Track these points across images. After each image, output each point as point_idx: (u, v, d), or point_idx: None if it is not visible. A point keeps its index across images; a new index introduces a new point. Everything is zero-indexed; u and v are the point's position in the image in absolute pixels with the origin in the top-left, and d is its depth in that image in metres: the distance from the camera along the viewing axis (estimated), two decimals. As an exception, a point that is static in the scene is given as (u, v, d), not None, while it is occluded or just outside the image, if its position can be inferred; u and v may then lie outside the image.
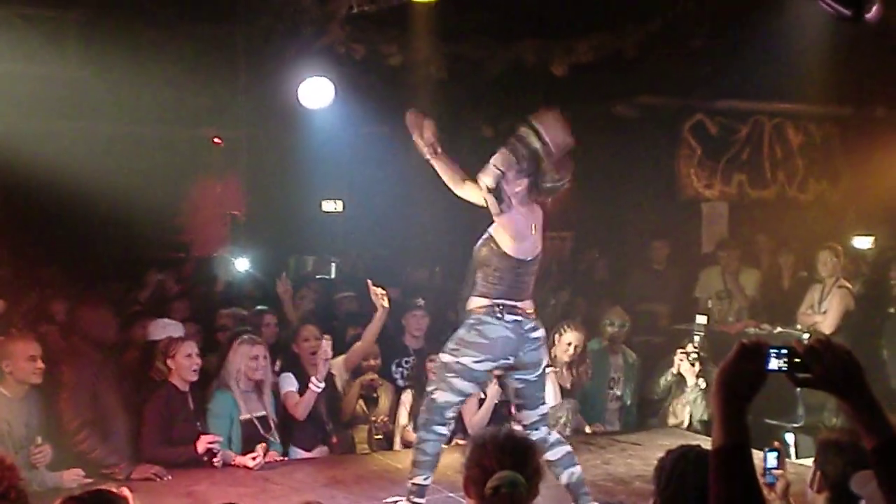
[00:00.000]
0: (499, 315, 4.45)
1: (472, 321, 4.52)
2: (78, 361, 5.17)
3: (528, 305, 4.58)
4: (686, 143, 9.10)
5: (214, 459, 5.26)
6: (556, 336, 6.28)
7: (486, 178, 4.29)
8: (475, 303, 4.55)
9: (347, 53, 6.87)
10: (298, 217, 10.36)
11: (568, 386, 6.38)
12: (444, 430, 4.54)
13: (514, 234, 4.44)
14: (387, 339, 7.09)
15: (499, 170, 4.28)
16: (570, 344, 6.32)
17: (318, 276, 9.70)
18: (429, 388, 4.63)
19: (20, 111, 7.93)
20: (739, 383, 1.91)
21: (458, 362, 4.48)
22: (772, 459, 3.31)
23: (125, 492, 2.79)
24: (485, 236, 4.56)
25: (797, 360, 1.95)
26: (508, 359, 4.51)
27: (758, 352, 1.94)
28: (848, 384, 1.96)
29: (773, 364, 1.94)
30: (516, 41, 7.22)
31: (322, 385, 5.75)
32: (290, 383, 5.82)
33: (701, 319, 6.33)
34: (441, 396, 4.51)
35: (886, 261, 8.46)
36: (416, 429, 4.82)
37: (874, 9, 2.60)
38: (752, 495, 1.83)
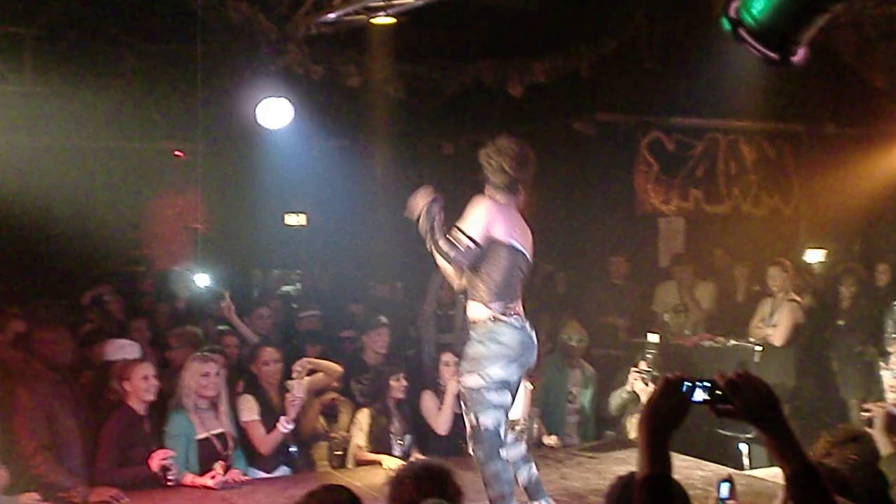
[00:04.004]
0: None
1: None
2: (34, 383, 5.11)
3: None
4: (643, 160, 9.24)
5: (169, 474, 5.21)
6: None
7: None
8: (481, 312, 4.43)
9: (306, 74, 6.91)
10: (261, 231, 10.34)
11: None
12: (505, 451, 4.40)
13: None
14: (347, 356, 7.13)
15: None
16: None
17: (281, 290, 9.70)
18: (472, 417, 4.36)
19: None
20: (664, 416, 2.05)
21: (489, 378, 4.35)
22: (724, 490, 3.37)
23: None
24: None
25: (719, 392, 2.07)
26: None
27: (681, 386, 2.07)
28: (765, 416, 2.10)
29: (698, 396, 2.07)
30: (473, 62, 7.32)
31: (291, 427, 5.70)
32: (249, 411, 5.73)
33: (653, 337, 6.43)
34: (489, 421, 4.33)
35: (837, 275, 8.66)
36: (481, 462, 4.39)
37: (800, 53, 2.71)
38: None
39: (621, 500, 2.91)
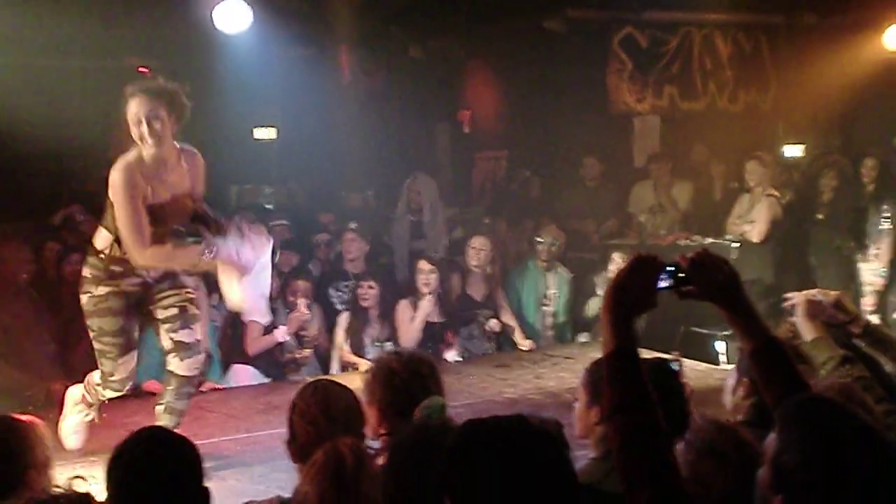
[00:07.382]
0: None
1: None
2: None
3: None
4: (616, 57, 9.00)
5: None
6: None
7: None
8: None
9: (262, -26, 6.68)
10: (231, 146, 10.15)
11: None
12: None
13: None
14: (326, 265, 7.17)
15: None
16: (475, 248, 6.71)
17: (263, 206, 9.59)
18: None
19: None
20: (630, 294, 1.96)
21: None
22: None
23: (34, 420, 2.80)
24: None
25: (682, 274, 2.03)
26: None
27: (651, 265, 2.00)
28: (726, 293, 2.06)
29: (663, 282, 2.01)
30: (436, -44, 7.07)
31: (287, 339, 5.94)
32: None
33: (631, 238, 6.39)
34: None
35: (817, 169, 8.56)
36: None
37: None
38: (642, 397, 1.88)
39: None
